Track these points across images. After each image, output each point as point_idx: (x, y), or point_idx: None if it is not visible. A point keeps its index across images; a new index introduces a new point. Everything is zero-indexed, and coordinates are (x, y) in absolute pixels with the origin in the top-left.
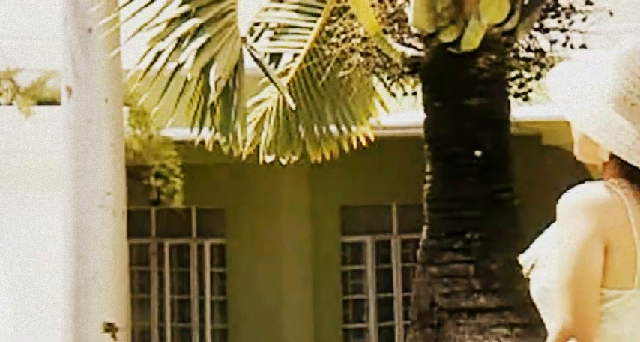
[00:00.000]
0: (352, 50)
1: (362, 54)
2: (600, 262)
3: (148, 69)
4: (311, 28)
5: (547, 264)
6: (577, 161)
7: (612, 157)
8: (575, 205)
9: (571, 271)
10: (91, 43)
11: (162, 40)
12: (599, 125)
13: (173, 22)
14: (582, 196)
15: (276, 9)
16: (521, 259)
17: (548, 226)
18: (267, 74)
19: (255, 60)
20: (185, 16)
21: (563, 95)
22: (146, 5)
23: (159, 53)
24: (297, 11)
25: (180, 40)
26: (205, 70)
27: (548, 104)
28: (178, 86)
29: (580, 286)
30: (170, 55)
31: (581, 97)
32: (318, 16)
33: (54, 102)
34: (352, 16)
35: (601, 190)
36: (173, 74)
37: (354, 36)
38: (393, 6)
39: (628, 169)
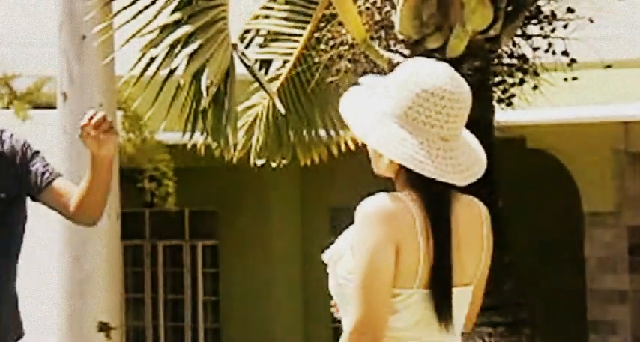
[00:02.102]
0: (340, 56)
1: (350, 60)
2: (392, 264)
3: (141, 75)
4: (300, 35)
5: (341, 261)
6: (561, 164)
7: (401, 169)
8: (370, 212)
9: (366, 272)
10: (86, 50)
11: (155, 46)
12: (386, 140)
13: (165, 29)
14: (376, 205)
15: (266, 16)
16: (325, 257)
17: (530, 227)
18: (257, 80)
19: (246, 66)
20: (177, 23)
21: (354, 116)
22: (139, 13)
23: (152, 59)
24: (286, 19)
25: (173, 46)
26: (197, 75)
27: (531, 109)
28: (171, 91)
29: (374, 286)
30: (163, 61)
31: (369, 116)
32: (307, 23)
33: (50, 106)
34: (340, 24)
35: (393, 200)
36: (166, 80)
37: (341, 43)
38: (380, 13)
39: (415, 180)
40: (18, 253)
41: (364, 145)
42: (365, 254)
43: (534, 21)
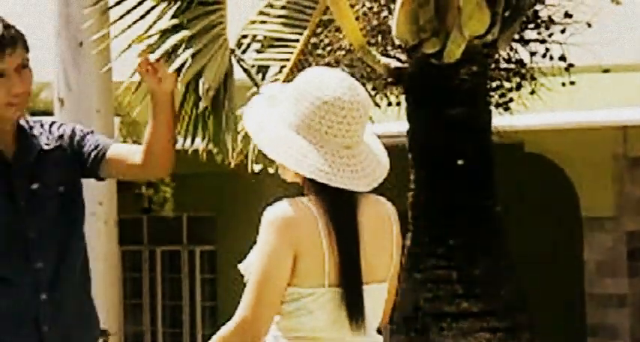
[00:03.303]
0: (337, 62)
1: (347, 65)
2: (286, 269)
3: (142, 80)
4: (297, 41)
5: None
6: (559, 168)
7: (307, 178)
8: (270, 219)
9: (259, 275)
10: (83, 56)
11: (153, 52)
12: (290, 153)
13: (164, 35)
14: (277, 212)
15: (263, 22)
16: (241, 268)
17: (528, 231)
18: (255, 85)
19: (244, 70)
20: (176, 28)
21: (257, 130)
22: (135, 22)
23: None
24: (283, 24)
25: (172, 51)
26: (195, 80)
27: (529, 113)
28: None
29: (264, 289)
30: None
31: (272, 130)
32: (304, 28)
33: (47, 113)
34: (337, 29)
35: (296, 206)
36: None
37: (339, 48)
38: (377, 18)
39: (321, 188)
40: (81, 250)
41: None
42: (262, 259)
43: (532, 26)
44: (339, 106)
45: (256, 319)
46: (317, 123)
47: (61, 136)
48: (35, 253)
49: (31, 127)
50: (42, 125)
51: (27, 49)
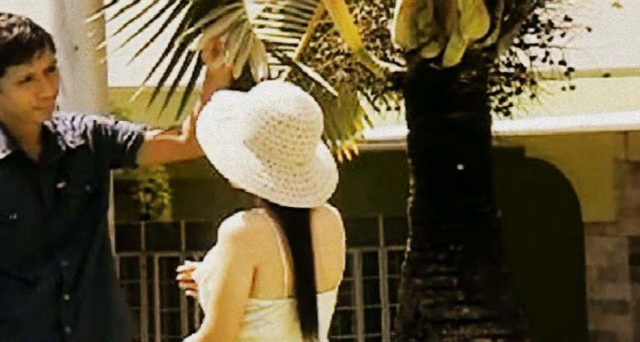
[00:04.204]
0: (336, 66)
1: (346, 70)
2: (246, 282)
3: (159, 85)
4: (295, 45)
5: (211, 279)
6: (560, 173)
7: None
8: (228, 232)
9: (220, 289)
10: (78, 61)
11: (175, 55)
12: (242, 171)
13: (195, 35)
14: (234, 225)
15: (261, 26)
16: (194, 275)
17: (529, 236)
18: (306, 76)
19: (290, 63)
20: (197, 33)
21: (207, 142)
22: (136, 34)
23: (168, 70)
24: (281, 28)
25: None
26: (243, 75)
27: (530, 118)
28: (170, 101)
29: (225, 302)
30: (182, 70)
31: (225, 146)
32: (303, 33)
33: None
34: (336, 33)
35: (253, 218)
36: (189, 90)
37: (337, 52)
38: (376, 23)
39: (274, 206)
40: (103, 254)
41: (357, 156)
42: (221, 273)
43: (531, 30)
44: (295, 126)
45: (221, 333)
46: (272, 142)
47: (84, 133)
48: (60, 253)
49: (55, 125)
50: (64, 121)
51: (54, 51)
